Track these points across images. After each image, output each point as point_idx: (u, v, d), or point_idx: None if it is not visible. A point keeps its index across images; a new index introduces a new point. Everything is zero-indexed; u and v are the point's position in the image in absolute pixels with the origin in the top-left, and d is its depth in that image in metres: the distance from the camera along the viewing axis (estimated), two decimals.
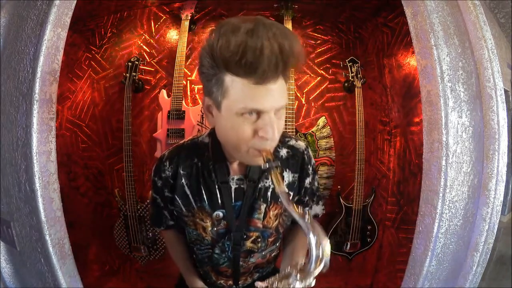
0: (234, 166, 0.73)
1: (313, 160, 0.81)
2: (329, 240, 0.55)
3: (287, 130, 1.59)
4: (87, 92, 1.86)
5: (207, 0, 1.75)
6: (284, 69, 0.54)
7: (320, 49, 1.81)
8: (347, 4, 1.76)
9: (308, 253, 0.55)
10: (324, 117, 1.75)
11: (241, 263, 0.81)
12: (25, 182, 0.98)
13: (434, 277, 1.04)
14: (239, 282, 0.86)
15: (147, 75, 1.79)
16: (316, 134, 1.72)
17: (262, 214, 0.76)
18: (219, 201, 0.74)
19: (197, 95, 1.77)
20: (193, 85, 1.77)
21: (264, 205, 0.75)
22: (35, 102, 0.94)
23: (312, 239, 0.53)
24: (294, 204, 0.58)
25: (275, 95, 0.56)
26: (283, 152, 0.77)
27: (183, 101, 1.62)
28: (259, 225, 0.77)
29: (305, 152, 0.79)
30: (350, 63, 1.72)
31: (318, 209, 0.87)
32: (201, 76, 0.61)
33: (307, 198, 0.83)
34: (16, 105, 0.99)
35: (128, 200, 1.66)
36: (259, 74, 0.51)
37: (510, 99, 1.51)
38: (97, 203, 1.89)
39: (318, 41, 1.81)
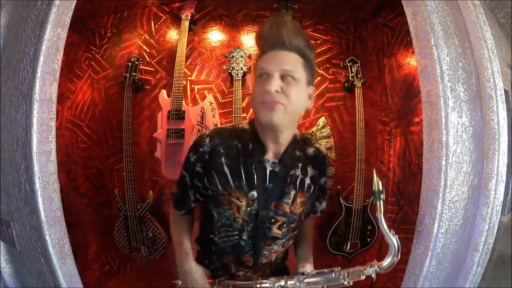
0: (270, 150, 0.80)
1: (329, 165, 0.93)
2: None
3: None
4: (87, 92, 1.86)
5: (207, 0, 1.75)
6: (281, 39, 0.74)
7: (320, 49, 1.81)
8: (347, 4, 1.76)
9: (388, 255, 0.80)
10: (324, 117, 1.75)
11: (265, 252, 0.85)
12: (25, 182, 0.98)
13: (434, 277, 1.04)
14: (257, 275, 0.88)
15: (147, 75, 1.79)
16: (316, 134, 1.72)
17: (291, 200, 0.83)
18: (254, 181, 0.79)
19: (197, 95, 1.77)
20: (193, 85, 1.77)
21: (294, 191, 0.83)
22: (35, 102, 0.94)
23: (396, 247, 0.79)
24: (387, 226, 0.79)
25: (279, 60, 0.73)
26: (311, 150, 0.88)
27: (183, 101, 1.62)
28: (287, 209, 0.83)
29: (326, 156, 0.92)
30: (350, 63, 1.71)
31: (324, 204, 0.98)
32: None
33: (320, 193, 0.93)
34: (16, 105, 0.99)
35: (128, 200, 1.66)
36: (267, 42, 0.76)
37: (510, 99, 1.51)
38: (97, 203, 1.88)
39: (318, 41, 1.81)
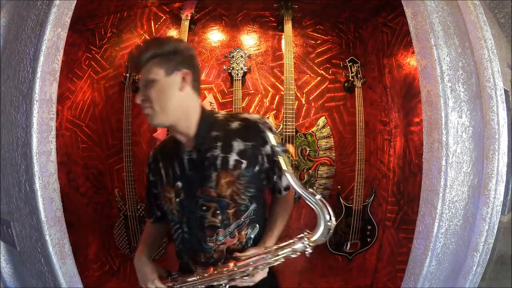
0: (184, 141, 0.84)
1: (273, 129, 0.84)
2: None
3: (287, 130, 1.59)
4: (87, 92, 1.86)
5: (207, 0, 1.75)
6: (136, 64, 0.82)
7: (320, 49, 1.81)
8: (347, 4, 1.76)
9: (317, 225, 0.74)
10: (324, 117, 1.75)
11: (210, 244, 0.83)
12: (25, 182, 0.98)
13: (434, 277, 1.04)
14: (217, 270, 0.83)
15: None
16: (316, 134, 1.72)
17: (214, 183, 0.81)
18: (177, 172, 0.85)
19: None
20: None
21: (215, 173, 0.81)
22: (35, 102, 0.94)
23: (326, 215, 0.72)
24: (303, 186, 0.74)
25: (141, 75, 0.81)
26: (235, 124, 0.84)
27: None
28: (213, 193, 0.81)
29: (259, 122, 0.84)
30: (350, 63, 1.72)
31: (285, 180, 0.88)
32: None
33: (273, 166, 0.85)
34: (16, 105, 0.99)
35: (128, 200, 1.66)
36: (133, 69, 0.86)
37: (510, 99, 1.51)
38: (97, 203, 1.89)
39: (318, 41, 1.81)
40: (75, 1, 1.04)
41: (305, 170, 1.70)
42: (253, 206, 0.84)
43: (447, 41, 0.99)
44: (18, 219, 1.04)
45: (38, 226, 0.97)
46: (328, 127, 1.74)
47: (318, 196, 0.74)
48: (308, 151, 1.70)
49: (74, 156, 1.85)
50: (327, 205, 0.73)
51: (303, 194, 0.73)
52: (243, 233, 0.85)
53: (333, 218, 0.74)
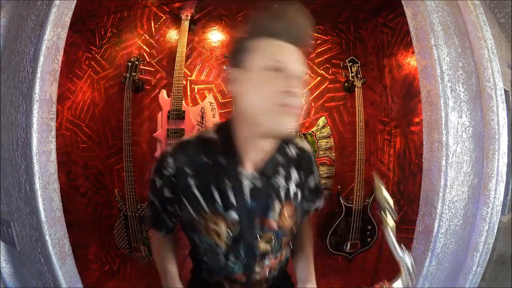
0: (248, 160, 0.68)
1: (315, 158, 0.84)
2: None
3: None
4: (87, 92, 1.86)
5: (207, 0, 1.75)
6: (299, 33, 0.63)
7: (320, 49, 1.81)
8: (347, 4, 1.76)
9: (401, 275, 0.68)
10: (324, 117, 1.75)
11: (256, 268, 0.75)
12: (25, 182, 0.97)
13: (434, 277, 1.04)
14: None
15: (147, 75, 1.79)
16: (316, 134, 1.72)
17: (277, 214, 0.71)
18: (233, 200, 0.68)
19: (197, 95, 1.77)
20: (193, 85, 1.77)
21: (279, 204, 0.71)
22: (35, 102, 0.94)
23: (408, 265, 0.67)
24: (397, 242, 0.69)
25: (301, 59, 0.63)
26: (293, 151, 0.77)
27: (183, 101, 1.62)
28: (274, 225, 0.72)
29: (311, 153, 0.81)
30: (350, 63, 1.72)
31: (320, 203, 0.88)
32: (233, 52, 0.68)
33: (311, 194, 0.83)
34: (16, 105, 0.99)
35: (128, 200, 1.66)
36: (286, 31, 0.62)
37: (510, 99, 1.50)
38: (97, 203, 1.89)
39: (318, 41, 1.81)
40: (75, 1, 1.04)
41: None
42: None
43: (447, 41, 0.99)
44: (18, 219, 1.04)
45: (38, 226, 0.97)
46: (328, 127, 1.74)
47: (410, 260, 0.68)
48: None
49: (74, 156, 1.85)
50: (414, 267, 0.70)
51: (394, 251, 0.70)
52: (284, 256, 0.82)
53: (414, 276, 0.69)
